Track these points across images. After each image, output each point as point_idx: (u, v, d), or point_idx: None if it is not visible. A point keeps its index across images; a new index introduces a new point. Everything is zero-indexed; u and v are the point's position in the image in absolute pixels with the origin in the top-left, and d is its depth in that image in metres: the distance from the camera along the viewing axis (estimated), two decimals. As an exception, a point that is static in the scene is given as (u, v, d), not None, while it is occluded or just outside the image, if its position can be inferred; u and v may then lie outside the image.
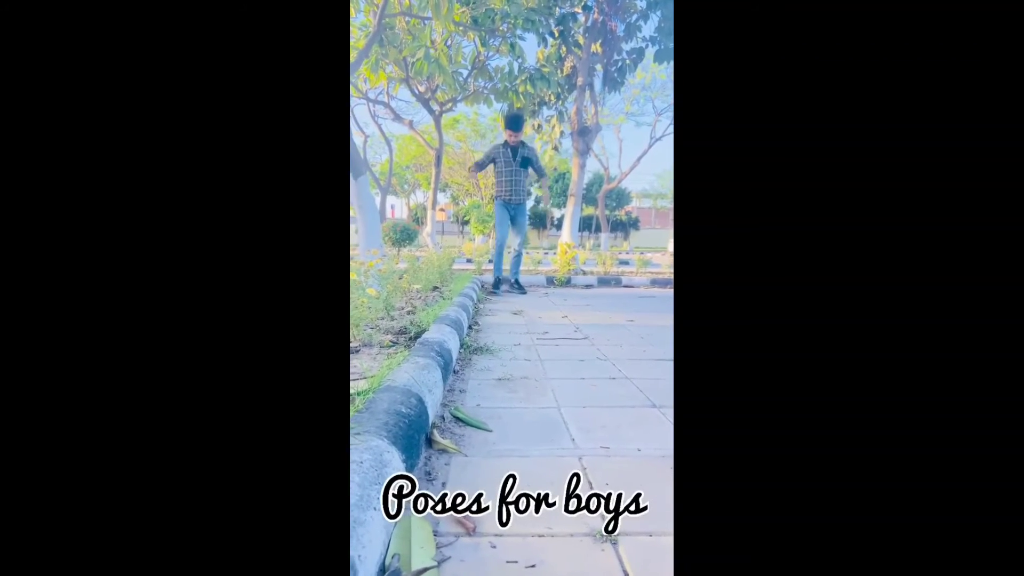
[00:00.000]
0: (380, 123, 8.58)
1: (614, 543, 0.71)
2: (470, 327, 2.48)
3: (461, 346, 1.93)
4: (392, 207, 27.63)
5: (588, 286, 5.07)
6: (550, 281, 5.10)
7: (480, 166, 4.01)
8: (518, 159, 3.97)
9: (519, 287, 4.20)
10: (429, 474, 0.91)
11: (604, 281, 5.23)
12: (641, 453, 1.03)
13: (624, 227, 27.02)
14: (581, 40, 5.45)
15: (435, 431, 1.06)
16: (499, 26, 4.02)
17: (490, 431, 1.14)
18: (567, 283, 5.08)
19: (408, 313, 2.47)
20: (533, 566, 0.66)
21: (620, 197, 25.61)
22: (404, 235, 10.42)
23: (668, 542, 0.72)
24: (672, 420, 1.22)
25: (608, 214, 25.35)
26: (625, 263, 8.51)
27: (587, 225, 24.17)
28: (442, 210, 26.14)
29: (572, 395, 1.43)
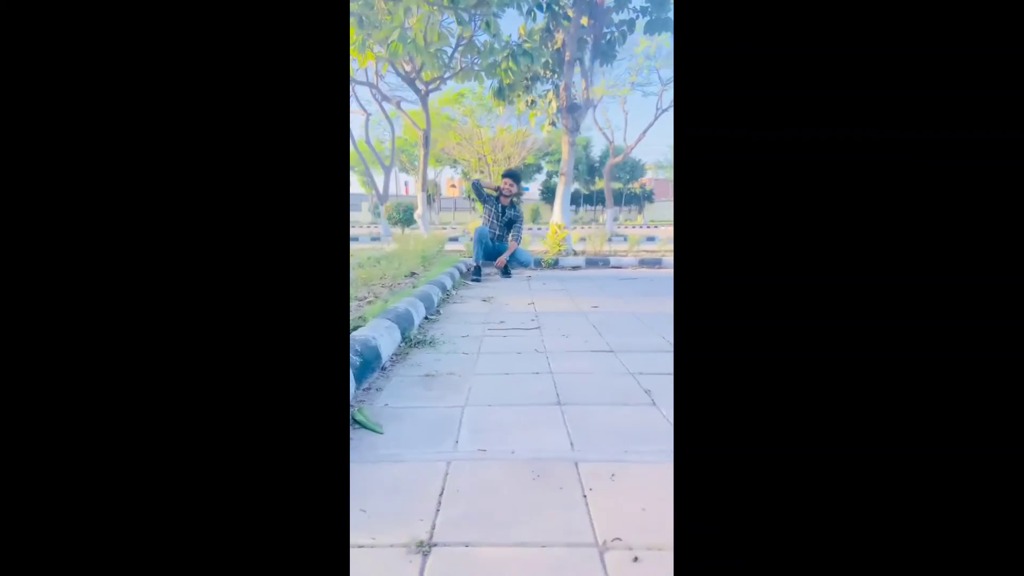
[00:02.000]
0: (380, 102, 8.50)
1: (426, 554, 0.75)
2: (427, 317, 2.52)
3: (403, 339, 1.97)
4: (406, 184, 27.63)
5: (575, 267, 5.04)
6: (538, 263, 5.09)
7: (477, 188, 4.31)
8: (505, 219, 4.32)
9: (504, 271, 4.23)
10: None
11: (592, 262, 5.19)
12: (513, 456, 1.06)
13: (638, 200, 26.45)
14: (570, 13, 5.25)
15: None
16: (475, 3, 3.91)
17: (381, 433, 1.18)
18: (555, 264, 5.06)
19: (368, 304, 2.52)
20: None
21: (633, 169, 24.99)
22: (406, 215, 10.46)
23: (487, 552, 0.75)
24: (567, 419, 1.24)
25: (621, 187, 24.82)
26: (623, 238, 8.39)
27: (600, 200, 23.76)
28: (453, 186, 25.97)
29: (486, 392, 1.46)
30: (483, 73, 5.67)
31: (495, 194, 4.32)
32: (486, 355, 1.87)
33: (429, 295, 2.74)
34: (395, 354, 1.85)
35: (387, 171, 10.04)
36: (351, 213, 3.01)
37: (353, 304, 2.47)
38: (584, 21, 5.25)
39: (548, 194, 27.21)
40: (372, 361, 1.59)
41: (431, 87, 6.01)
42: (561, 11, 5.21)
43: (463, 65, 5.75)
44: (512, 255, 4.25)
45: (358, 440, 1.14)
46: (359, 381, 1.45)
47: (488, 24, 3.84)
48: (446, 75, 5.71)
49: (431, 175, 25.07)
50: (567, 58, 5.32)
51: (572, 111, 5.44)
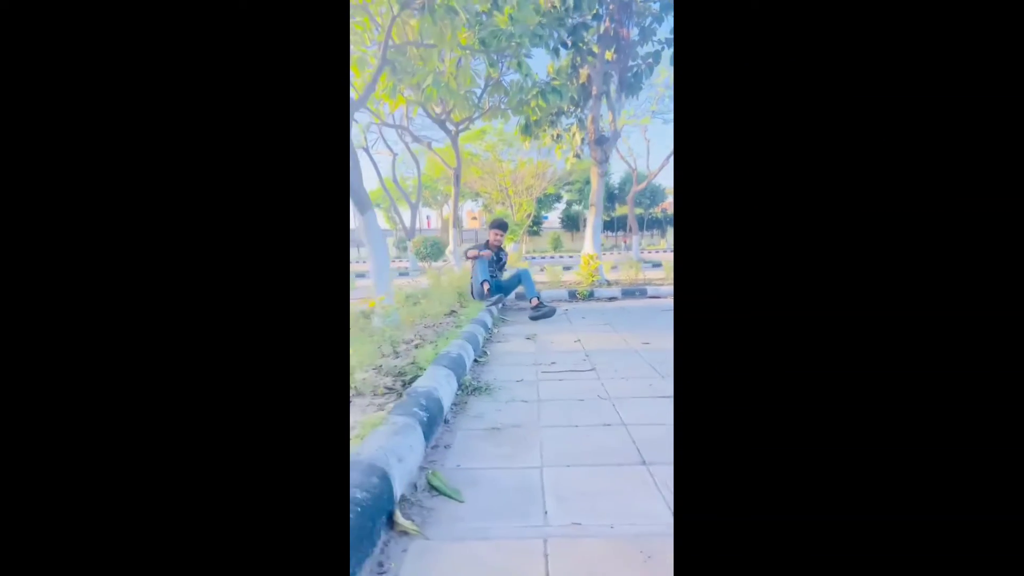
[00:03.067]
0: (406, 143, 8.76)
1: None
2: (476, 360, 2.45)
3: (459, 387, 1.90)
4: (428, 218, 28.22)
5: (612, 298, 4.94)
6: (572, 295, 5.01)
7: (476, 260, 4.30)
8: (500, 263, 4.40)
9: (539, 310, 3.94)
10: (381, 565, 0.89)
11: (628, 292, 5.08)
12: (613, 531, 0.96)
13: (660, 224, 26.35)
14: (595, 49, 5.34)
15: (398, 511, 1.03)
16: (506, 45, 4.00)
17: (462, 502, 1.10)
18: (590, 296, 4.97)
19: (416, 347, 2.47)
20: None
21: (654, 195, 25.01)
22: (434, 249, 10.60)
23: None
24: (658, 482, 1.14)
25: (642, 212, 24.80)
26: (657, 265, 8.26)
27: (621, 226, 23.75)
28: (474, 218, 26.34)
29: (558, 449, 1.37)
30: (510, 111, 5.77)
31: (492, 254, 4.26)
32: (547, 403, 1.78)
33: (475, 335, 2.68)
34: (454, 403, 1.78)
35: (414, 208, 10.25)
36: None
37: (401, 348, 2.43)
38: (609, 56, 5.33)
39: (568, 222, 27.31)
40: (437, 415, 1.52)
41: (461, 127, 6.16)
42: (586, 47, 5.30)
43: (491, 104, 5.88)
44: (525, 281, 4.06)
45: (437, 510, 1.06)
46: (427, 438, 1.38)
47: (520, 64, 3.91)
48: (475, 115, 5.84)
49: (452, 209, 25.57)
50: (594, 92, 5.38)
51: (600, 143, 5.46)
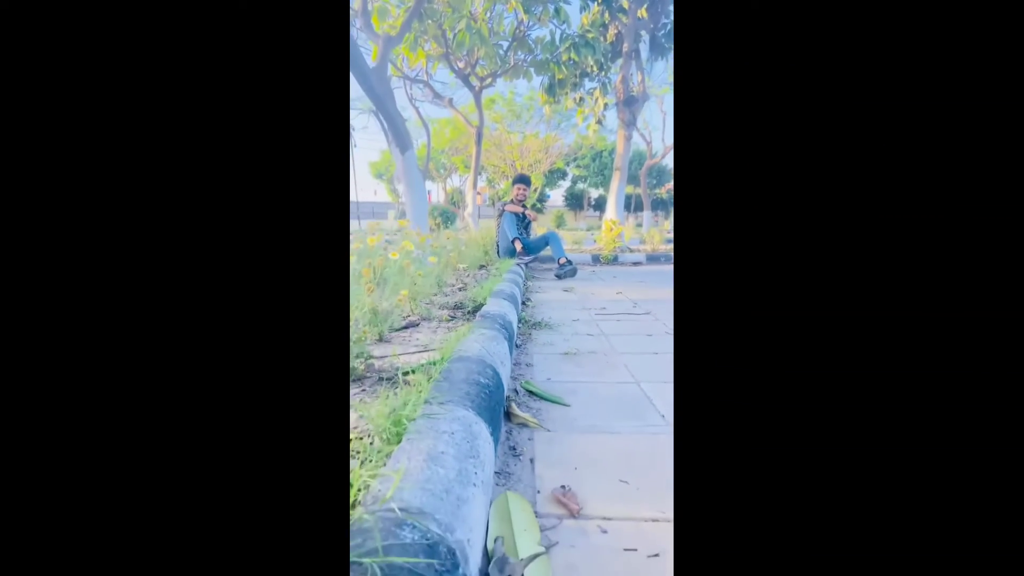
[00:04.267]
0: (417, 106, 8.53)
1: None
2: (523, 303, 2.40)
3: (519, 321, 1.85)
4: (429, 192, 27.81)
5: (636, 263, 4.88)
6: (595, 259, 4.95)
7: (507, 214, 4.15)
8: (524, 222, 4.22)
9: (565, 268, 3.89)
10: (514, 448, 0.84)
11: (653, 258, 5.02)
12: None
13: (664, 205, 26.06)
14: (626, 4, 5.15)
15: (512, 404, 0.98)
16: (542, -9, 3.83)
17: (568, 405, 1.05)
18: (614, 260, 4.90)
19: (459, 290, 2.41)
20: (656, 555, 0.57)
21: (660, 174, 24.68)
22: (445, 218, 10.46)
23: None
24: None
25: (648, 192, 24.51)
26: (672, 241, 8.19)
27: (627, 204, 23.45)
28: (479, 193, 26.00)
29: (648, 370, 1.32)
30: (532, 70, 5.59)
31: (520, 209, 4.14)
32: (615, 336, 1.73)
33: (517, 281, 2.62)
34: (519, 334, 1.73)
35: (422, 176, 10.07)
36: (379, 221, 3.04)
37: (447, 289, 2.37)
38: (642, 13, 5.15)
39: (573, 200, 27.02)
40: (512, 337, 1.47)
41: (485, 83, 5.96)
42: (616, 3, 5.11)
43: (515, 62, 5.69)
44: (554, 243, 3.94)
45: (544, 411, 1.01)
46: (510, 354, 1.33)
47: (557, 11, 3.75)
48: (499, 71, 5.65)
49: (456, 182, 25.26)
50: (625, 49, 5.20)
51: (629, 104, 5.32)
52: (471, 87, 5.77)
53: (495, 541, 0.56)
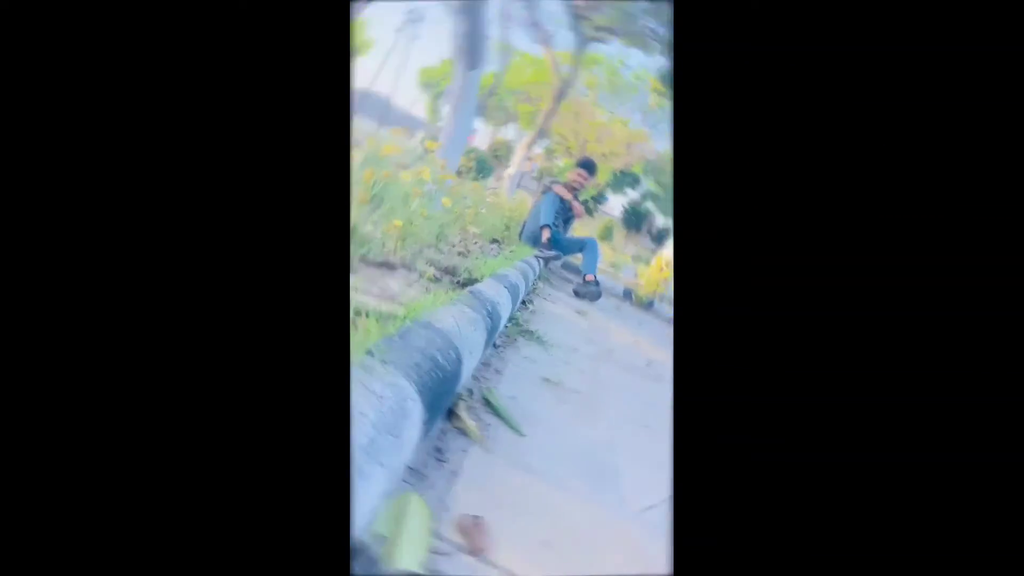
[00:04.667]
0: (507, 27, 8.51)
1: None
2: (523, 302, 2.40)
3: (510, 320, 1.86)
4: (475, 130, 27.75)
5: (671, 320, 4.87)
6: (627, 294, 4.94)
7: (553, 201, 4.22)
8: (567, 215, 4.33)
9: (590, 288, 3.87)
10: (440, 452, 0.85)
11: (693, 323, 5.01)
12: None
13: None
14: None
15: (462, 404, 0.99)
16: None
17: (524, 436, 1.06)
18: (649, 306, 4.88)
19: (459, 254, 2.42)
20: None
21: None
22: (479, 167, 10.47)
23: None
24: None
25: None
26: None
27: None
28: (529, 160, 25.90)
29: (631, 443, 1.33)
30: (659, 45, 5.58)
31: (569, 196, 4.18)
32: (611, 389, 1.73)
33: (527, 274, 2.63)
34: (501, 332, 1.74)
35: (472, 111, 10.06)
36: (405, 128, 3.09)
37: (445, 248, 2.38)
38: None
39: (631, 218, 26.96)
40: (493, 332, 1.48)
41: (598, 35, 5.93)
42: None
43: (638, 28, 5.67)
44: (589, 252, 3.93)
45: (493, 429, 1.02)
46: (484, 346, 1.34)
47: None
48: (619, 28, 5.63)
49: (510, 135, 25.23)
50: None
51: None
52: (579, 33, 5.74)
53: (374, 537, 0.57)
